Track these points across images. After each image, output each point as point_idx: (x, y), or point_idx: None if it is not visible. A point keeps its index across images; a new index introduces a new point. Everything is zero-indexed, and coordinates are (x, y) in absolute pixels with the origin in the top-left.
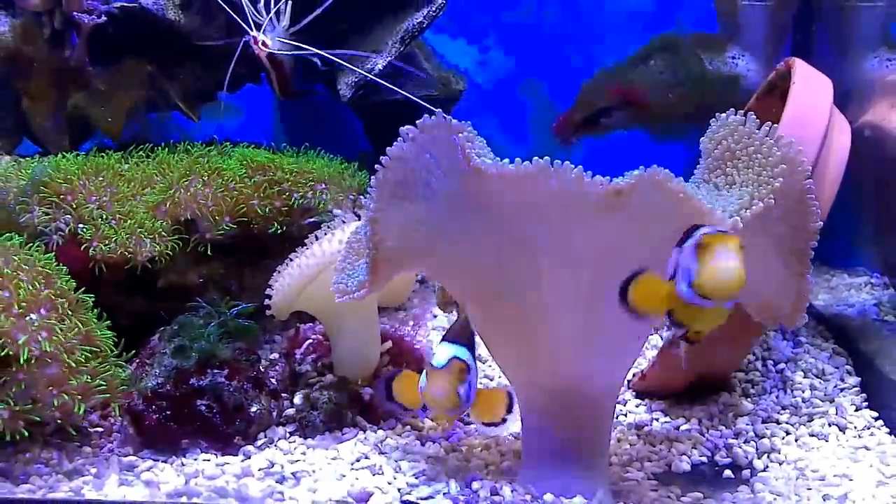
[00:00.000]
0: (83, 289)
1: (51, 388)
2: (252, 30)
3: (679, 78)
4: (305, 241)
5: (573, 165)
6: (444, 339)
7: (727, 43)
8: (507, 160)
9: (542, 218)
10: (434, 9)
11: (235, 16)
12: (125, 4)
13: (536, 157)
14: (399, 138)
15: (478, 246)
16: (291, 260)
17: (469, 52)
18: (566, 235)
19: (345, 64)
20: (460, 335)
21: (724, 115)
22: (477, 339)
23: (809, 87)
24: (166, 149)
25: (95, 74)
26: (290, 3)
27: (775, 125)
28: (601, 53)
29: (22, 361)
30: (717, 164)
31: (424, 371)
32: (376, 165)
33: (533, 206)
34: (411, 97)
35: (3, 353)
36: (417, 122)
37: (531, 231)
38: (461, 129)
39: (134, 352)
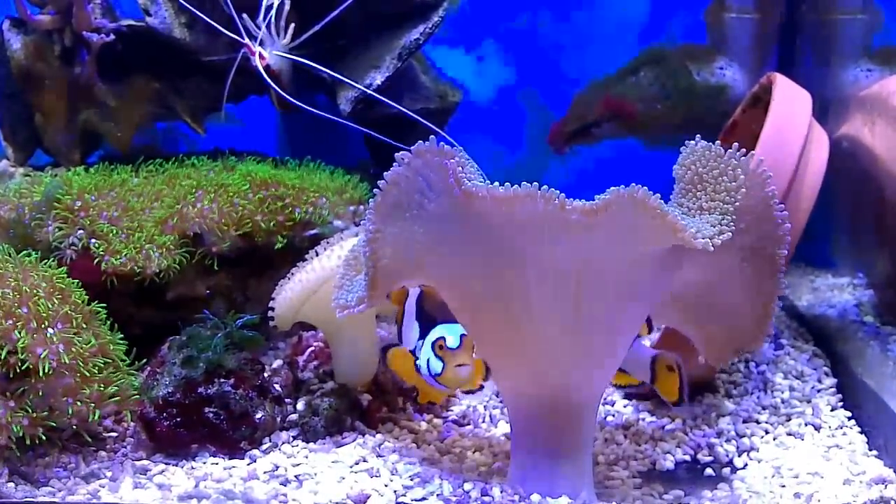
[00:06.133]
0: (96, 300)
1: (66, 396)
2: (249, 40)
3: (668, 89)
4: (306, 255)
5: (557, 191)
6: (433, 322)
7: (715, 54)
8: (496, 183)
9: (528, 236)
10: (430, 26)
11: (237, 29)
12: (133, 23)
13: (525, 182)
14: (395, 162)
15: (468, 262)
16: (293, 274)
17: (467, 60)
18: (551, 251)
19: (344, 79)
20: (446, 313)
21: (692, 142)
22: None
23: (788, 102)
24: (175, 163)
25: (105, 90)
26: (285, 14)
27: (742, 149)
28: (595, 62)
29: (42, 374)
30: (688, 188)
31: (426, 355)
32: (375, 189)
33: (520, 225)
34: (409, 113)
35: (23, 367)
36: (413, 147)
37: (519, 248)
38: (453, 154)
39: (145, 360)
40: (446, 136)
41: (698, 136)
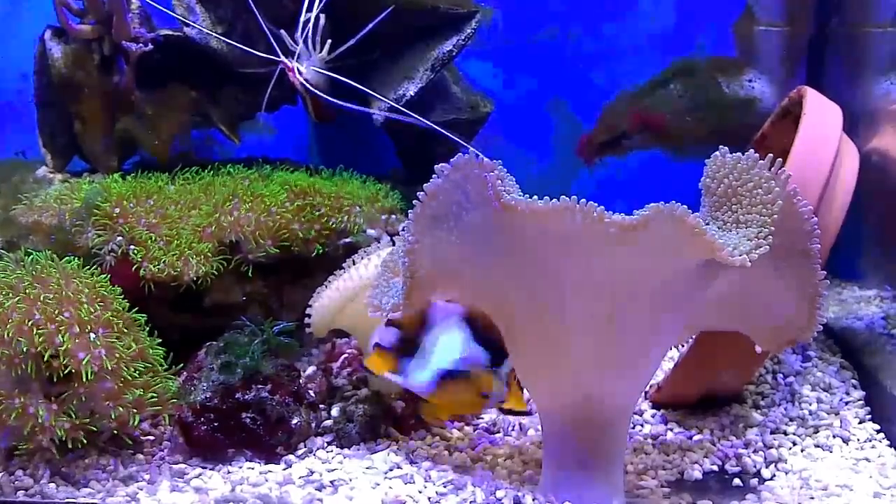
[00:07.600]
0: (134, 305)
1: (108, 401)
2: (287, 58)
3: (697, 101)
4: (342, 264)
5: (596, 204)
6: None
7: (744, 66)
8: (535, 196)
9: (566, 249)
10: (463, 38)
11: (273, 45)
12: (170, 33)
13: (563, 196)
14: (434, 175)
15: (505, 274)
16: (330, 282)
17: (496, 73)
18: (588, 265)
19: (376, 96)
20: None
21: (718, 153)
22: None
23: (819, 116)
24: (210, 171)
25: (142, 99)
26: (321, 29)
27: (777, 158)
28: (625, 73)
29: (84, 378)
30: (722, 201)
31: None
32: (414, 200)
33: (558, 239)
34: (437, 128)
35: (66, 371)
36: (452, 160)
37: (555, 261)
38: (493, 167)
39: (182, 364)
40: (468, 146)
41: (724, 147)
